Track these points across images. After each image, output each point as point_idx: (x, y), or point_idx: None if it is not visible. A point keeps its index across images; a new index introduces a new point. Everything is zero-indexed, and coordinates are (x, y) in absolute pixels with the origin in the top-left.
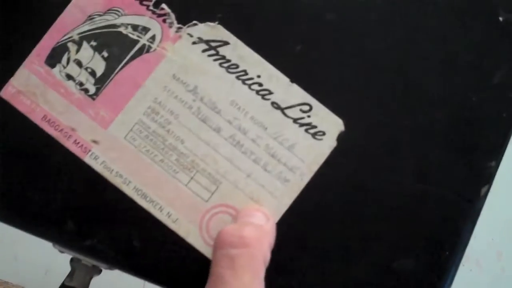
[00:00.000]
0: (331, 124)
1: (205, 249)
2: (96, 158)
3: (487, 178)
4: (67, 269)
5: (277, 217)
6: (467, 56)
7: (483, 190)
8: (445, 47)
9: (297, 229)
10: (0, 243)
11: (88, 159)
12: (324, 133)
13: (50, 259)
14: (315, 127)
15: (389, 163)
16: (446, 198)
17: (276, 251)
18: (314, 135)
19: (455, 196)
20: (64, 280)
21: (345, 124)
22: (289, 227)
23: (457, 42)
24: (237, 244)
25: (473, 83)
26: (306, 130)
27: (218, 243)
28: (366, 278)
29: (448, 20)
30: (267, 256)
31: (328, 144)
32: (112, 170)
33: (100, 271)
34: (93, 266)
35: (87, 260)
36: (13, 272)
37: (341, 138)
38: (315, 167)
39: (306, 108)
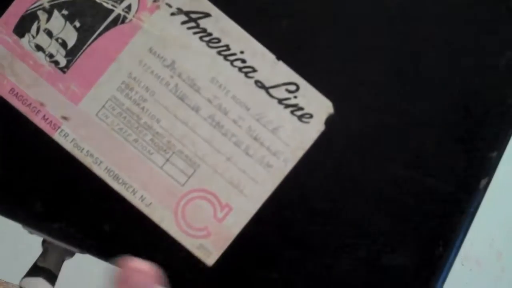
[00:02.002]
0: (319, 106)
1: (180, 236)
2: (65, 135)
3: (487, 169)
4: (67, 269)
5: (258, 204)
6: (470, 37)
7: (483, 182)
8: (446, 27)
9: (279, 218)
10: (0, 243)
11: (57, 137)
12: (311, 116)
13: None
14: (301, 108)
15: (381, 150)
16: (442, 189)
17: (256, 241)
18: (300, 117)
19: (452, 187)
20: (37, 260)
21: (335, 107)
22: (271, 216)
23: (460, 22)
24: None
25: (476, 67)
26: (292, 112)
27: None
28: (352, 273)
29: None
30: None
31: (315, 128)
32: (83, 149)
33: (73, 253)
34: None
35: (59, 244)
36: (13, 272)
37: (329, 121)
38: (300, 153)
39: (292, 88)
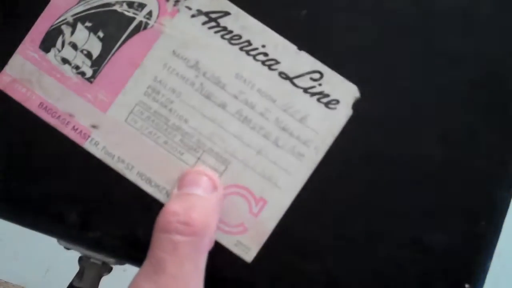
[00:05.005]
0: (345, 92)
1: (216, 234)
2: (96, 143)
3: None
4: (68, 268)
5: (293, 195)
6: (491, 7)
7: None
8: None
9: (315, 207)
10: (0, 243)
11: (88, 145)
12: (338, 102)
13: (50, 259)
14: (327, 95)
15: (411, 130)
16: (476, 163)
17: (294, 233)
18: (327, 104)
19: (486, 160)
20: (73, 280)
21: (361, 91)
22: (306, 205)
23: None
24: (183, 231)
25: (500, 36)
26: (318, 100)
27: (162, 226)
28: (394, 256)
29: None
30: (212, 239)
31: (343, 113)
32: (114, 155)
33: (110, 269)
34: (103, 263)
35: (96, 257)
36: (13, 272)
37: (357, 106)
38: (330, 139)
39: (316, 76)
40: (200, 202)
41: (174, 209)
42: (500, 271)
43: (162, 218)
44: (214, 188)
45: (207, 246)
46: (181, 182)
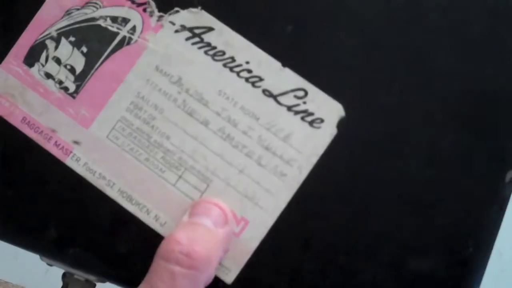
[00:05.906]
0: (330, 110)
1: None
2: (77, 160)
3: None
4: None
5: (275, 216)
6: (478, 22)
7: (509, 175)
8: (452, 14)
9: (297, 228)
10: (0, 243)
11: (69, 162)
12: (322, 120)
13: None
14: (312, 114)
15: (397, 150)
16: (464, 186)
17: (276, 255)
18: (311, 123)
19: (475, 183)
20: None
21: (346, 109)
22: (288, 226)
23: (466, 7)
24: (183, 263)
25: (488, 52)
26: (302, 118)
27: (164, 253)
28: (377, 282)
29: None
30: (212, 275)
31: (327, 132)
32: (95, 172)
33: (94, 286)
34: (86, 280)
35: (78, 273)
36: (13, 272)
37: (341, 124)
38: (314, 159)
39: (301, 93)
40: (206, 235)
41: (179, 238)
42: (499, 274)
43: (165, 245)
44: (225, 222)
45: (204, 282)
46: (193, 209)
